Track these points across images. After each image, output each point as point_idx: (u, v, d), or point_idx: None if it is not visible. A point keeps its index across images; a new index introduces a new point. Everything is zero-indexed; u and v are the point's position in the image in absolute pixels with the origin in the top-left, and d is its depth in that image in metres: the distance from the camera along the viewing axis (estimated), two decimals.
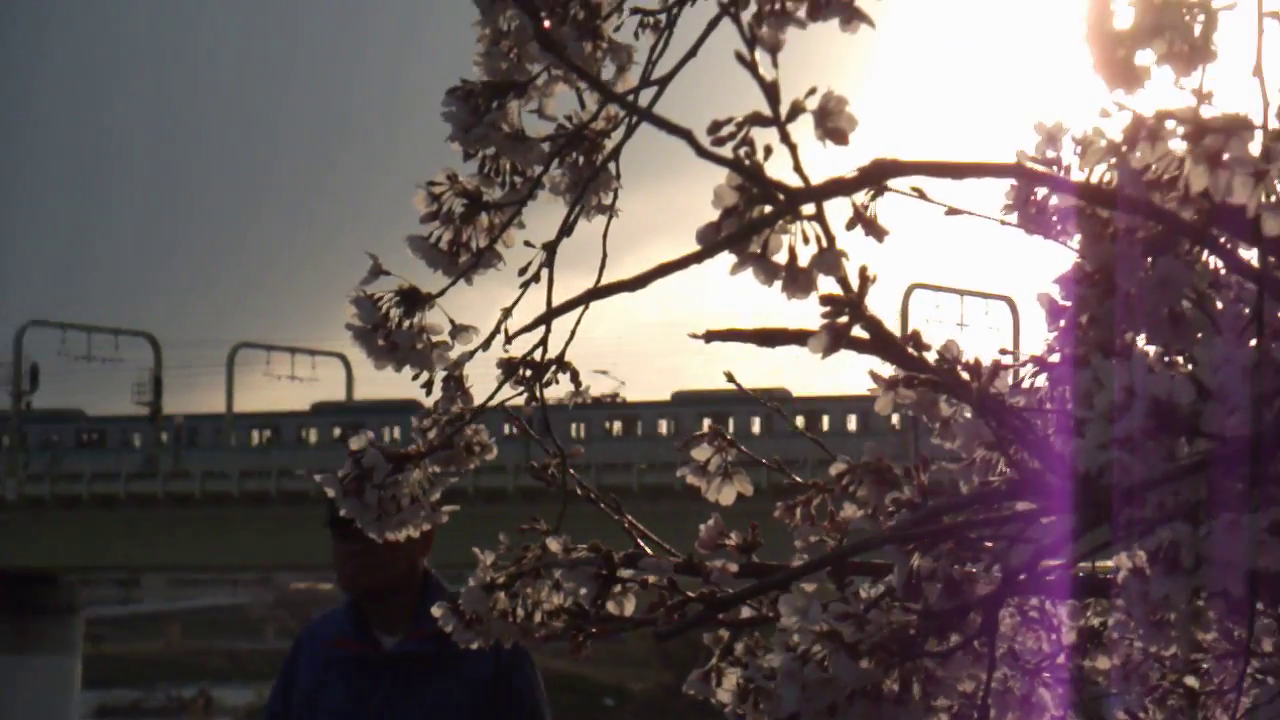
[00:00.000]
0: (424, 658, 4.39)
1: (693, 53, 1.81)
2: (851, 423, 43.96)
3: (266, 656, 54.97)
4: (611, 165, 2.04)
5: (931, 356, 1.79)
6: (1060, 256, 1.87)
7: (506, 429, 2.39)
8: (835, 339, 1.51)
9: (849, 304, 1.50)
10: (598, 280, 1.93)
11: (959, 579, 1.55)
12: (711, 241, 1.47)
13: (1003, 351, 1.91)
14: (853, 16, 1.50)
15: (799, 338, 1.58)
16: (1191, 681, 2.29)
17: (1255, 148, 1.43)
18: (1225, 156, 1.35)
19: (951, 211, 1.77)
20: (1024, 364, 1.93)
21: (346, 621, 4.59)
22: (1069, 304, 1.80)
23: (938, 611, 1.52)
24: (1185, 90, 1.65)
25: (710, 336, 1.66)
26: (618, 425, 46.78)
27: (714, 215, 1.52)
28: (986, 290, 50.76)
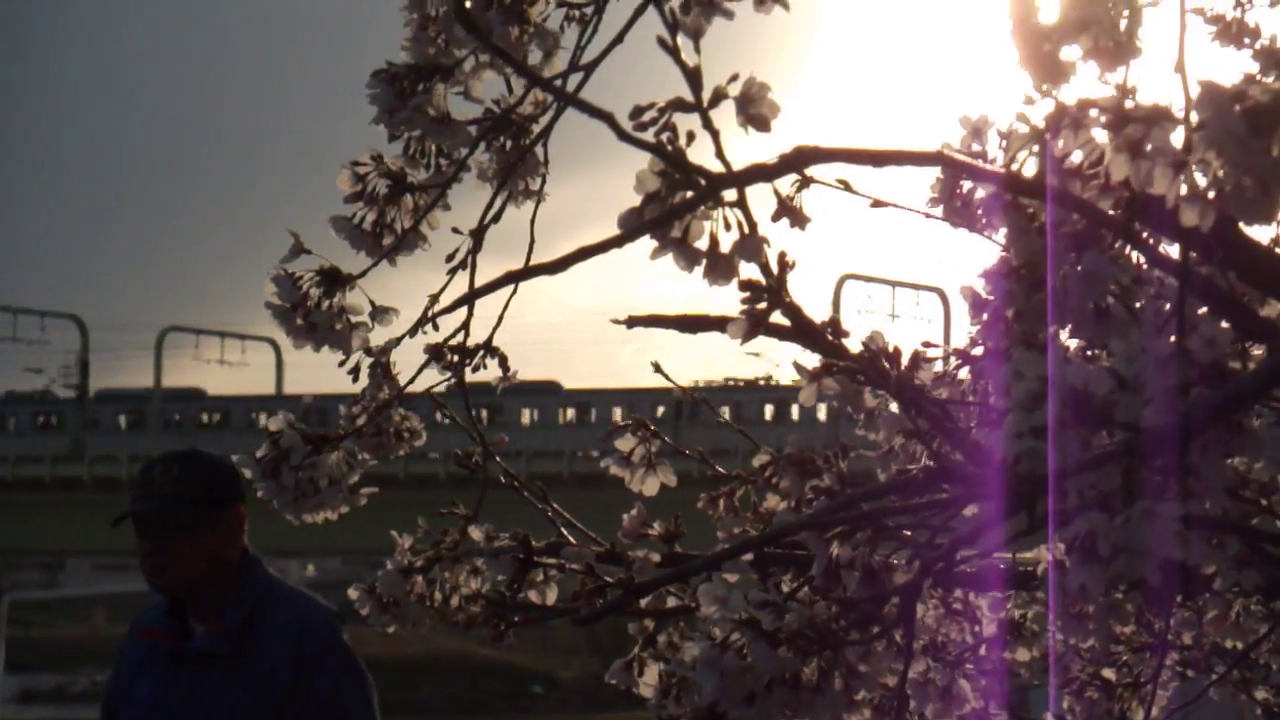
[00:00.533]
0: (222, 654, 4.11)
1: (619, 38, 1.80)
2: (768, 412, 44.01)
3: None
4: (539, 150, 2.03)
5: (855, 345, 1.79)
6: (987, 249, 1.87)
7: (438, 415, 2.37)
8: (754, 325, 1.50)
9: (769, 290, 1.49)
10: (525, 263, 1.92)
11: (878, 568, 1.55)
12: (633, 226, 1.47)
13: (926, 344, 1.91)
14: None
15: (720, 325, 1.57)
16: (1109, 674, 2.30)
17: (1177, 140, 1.43)
18: (1146, 146, 1.35)
19: (877, 204, 1.77)
20: (948, 356, 1.93)
21: (160, 611, 4.30)
22: (992, 297, 1.81)
23: (856, 600, 1.52)
24: (1110, 85, 1.65)
25: (633, 322, 1.65)
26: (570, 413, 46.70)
27: (636, 201, 1.50)
28: (918, 282, 50.98)
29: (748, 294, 1.49)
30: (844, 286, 48.40)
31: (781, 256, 1.51)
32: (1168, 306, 1.64)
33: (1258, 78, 1.93)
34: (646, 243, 1.54)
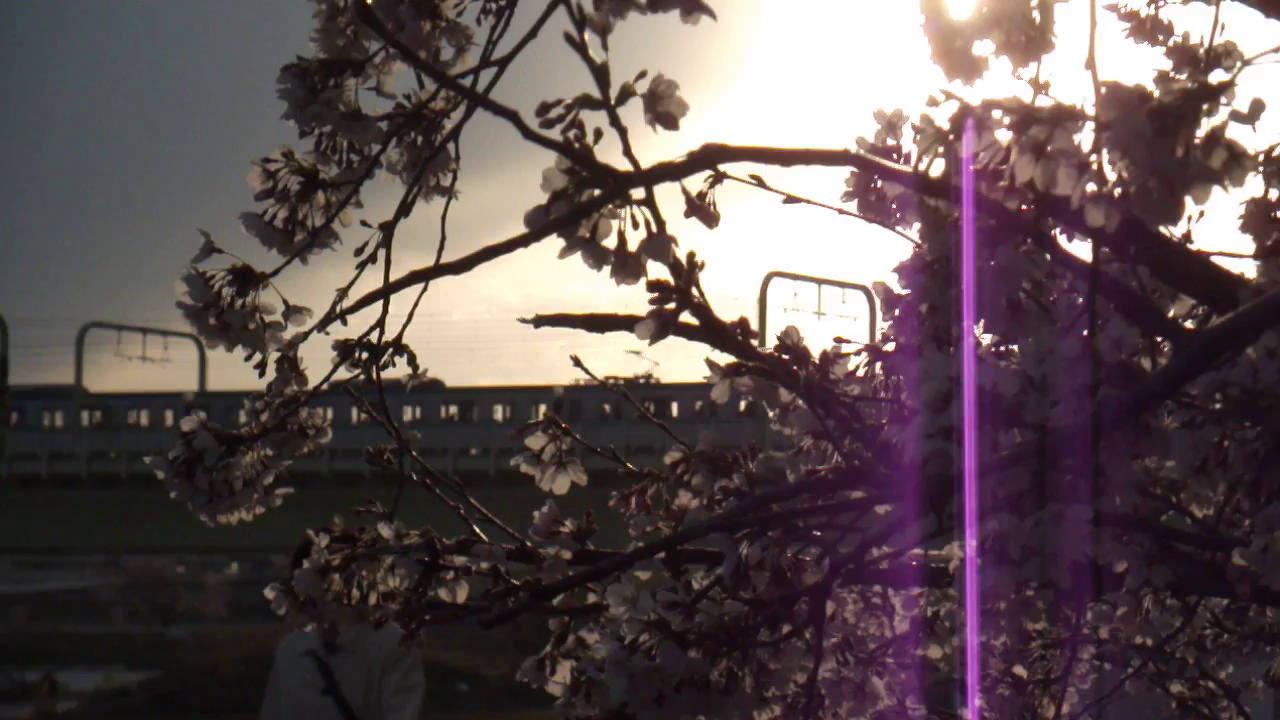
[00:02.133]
0: None
1: (533, 34, 1.79)
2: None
3: (115, 640, 54.27)
4: (451, 146, 2.02)
5: (771, 343, 1.79)
6: (901, 245, 1.87)
7: (354, 413, 2.35)
8: (663, 325, 1.49)
9: (677, 290, 1.49)
10: (436, 261, 1.90)
11: (787, 568, 1.54)
12: (540, 224, 1.46)
13: (838, 339, 1.91)
14: (693, 8, 1.46)
15: (629, 324, 1.57)
16: (1020, 670, 2.31)
17: (1086, 139, 1.44)
18: (1050, 147, 1.36)
19: (790, 200, 1.76)
20: (859, 352, 1.93)
21: None
22: (905, 293, 1.81)
23: (766, 601, 1.51)
24: (1022, 81, 1.66)
25: (540, 321, 1.64)
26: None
27: (545, 198, 1.50)
28: (844, 279, 51.21)
29: (656, 294, 1.48)
30: (770, 284, 48.55)
31: (690, 256, 1.50)
32: (1080, 300, 1.65)
33: (1170, 74, 1.94)
34: (557, 236, 1.53)
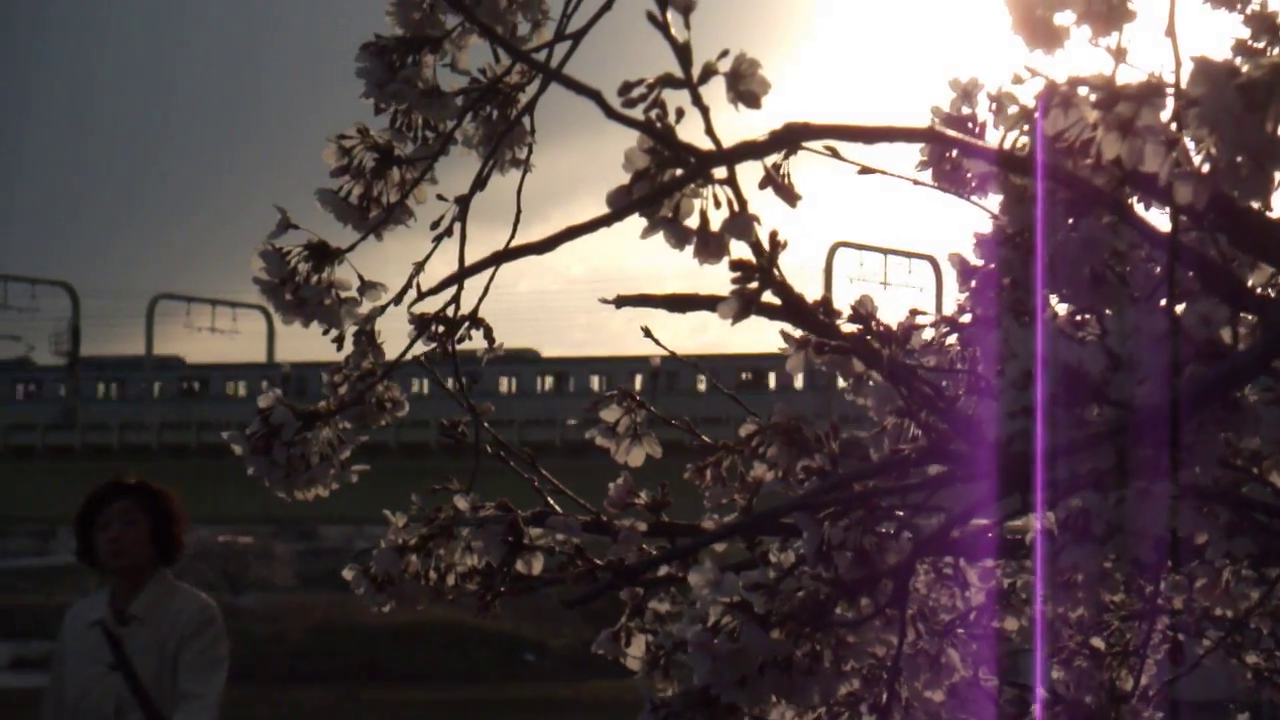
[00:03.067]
0: None
1: (608, 6, 1.79)
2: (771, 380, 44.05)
3: None
4: (526, 120, 2.02)
5: (846, 314, 1.78)
6: (975, 216, 1.86)
7: (415, 383, 2.36)
8: (745, 305, 1.49)
9: (760, 269, 1.49)
10: (511, 236, 1.91)
11: (869, 548, 1.54)
12: (622, 205, 1.45)
13: (914, 312, 1.90)
14: None
15: (710, 303, 1.57)
16: (1098, 642, 2.30)
17: (1168, 111, 1.43)
18: (1137, 124, 1.35)
19: (865, 170, 1.76)
20: (936, 324, 1.92)
21: None
22: (981, 264, 1.80)
23: (848, 581, 1.51)
24: (1102, 49, 1.65)
25: (621, 302, 1.64)
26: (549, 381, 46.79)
27: (626, 178, 1.49)
28: (910, 249, 51.12)
29: (738, 273, 1.48)
30: (836, 254, 48.45)
31: (773, 235, 1.50)
32: (1158, 271, 1.63)
33: (1248, 43, 1.93)
34: (638, 216, 1.53)
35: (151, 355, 52.58)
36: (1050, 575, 1.67)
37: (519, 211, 2.06)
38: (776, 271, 1.52)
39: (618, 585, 1.73)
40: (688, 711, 1.56)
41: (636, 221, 1.53)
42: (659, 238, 1.52)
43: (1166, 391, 1.33)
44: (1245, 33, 2.56)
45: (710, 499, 2.04)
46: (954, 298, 1.93)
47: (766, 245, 1.51)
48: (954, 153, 1.93)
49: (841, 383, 1.90)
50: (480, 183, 2.03)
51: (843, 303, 1.80)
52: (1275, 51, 1.44)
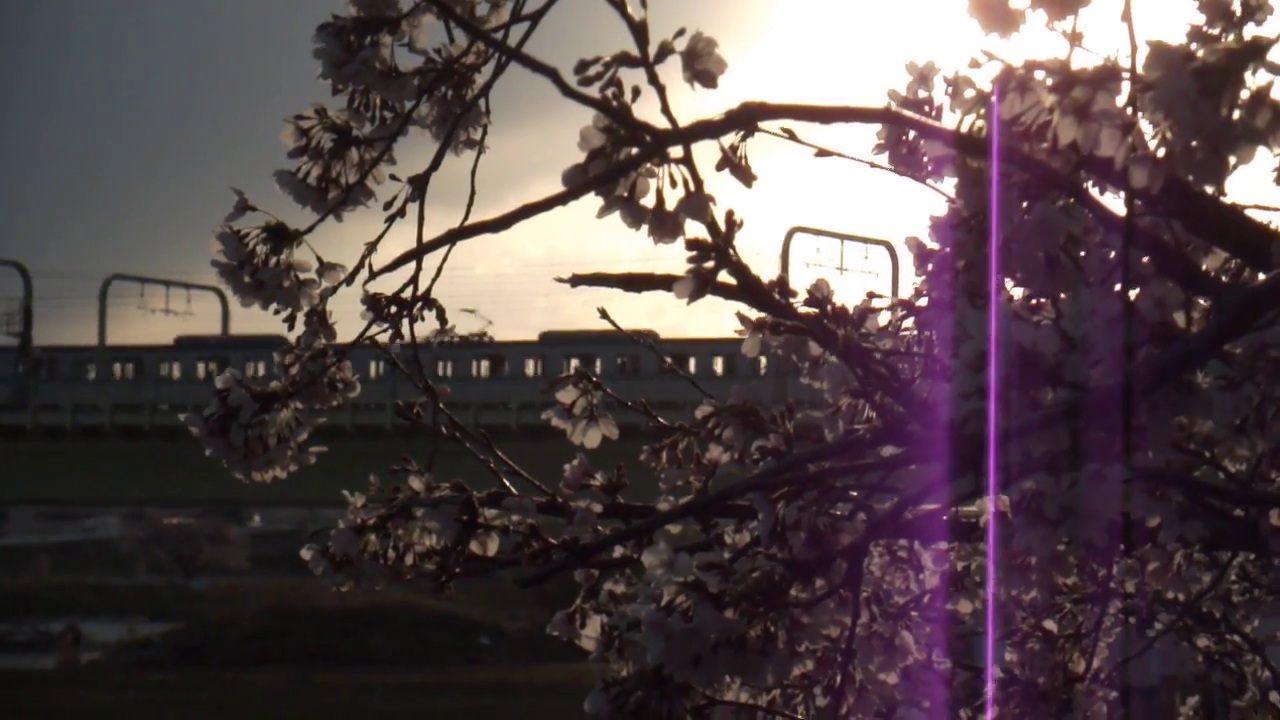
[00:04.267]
0: None
1: None
2: (718, 365, 44.23)
3: (138, 592, 54.49)
4: (482, 101, 2.02)
5: (802, 296, 1.79)
6: (932, 200, 1.87)
7: (373, 367, 2.35)
8: (701, 284, 1.49)
9: (715, 249, 1.49)
10: (465, 216, 1.90)
11: (824, 528, 1.55)
12: (578, 183, 1.45)
13: (871, 295, 1.91)
14: None
15: (665, 283, 1.57)
16: (1050, 625, 2.32)
17: (1124, 96, 1.43)
18: (1093, 109, 1.35)
19: (821, 153, 1.76)
20: (892, 307, 1.93)
21: None
22: (937, 248, 1.81)
23: (802, 561, 1.52)
24: (1058, 33, 1.65)
25: (576, 281, 1.64)
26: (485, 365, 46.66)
27: (581, 157, 1.49)
28: (866, 234, 51.30)
29: (694, 252, 1.48)
30: (793, 239, 48.55)
31: (729, 215, 1.50)
32: (1113, 255, 1.64)
33: (1203, 29, 1.93)
34: (594, 195, 1.53)
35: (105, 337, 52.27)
36: (1003, 558, 1.68)
37: (473, 192, 2.06)
38: (732, 251, 1.52)
39: (572, 565, 1.73)
40: (640, 690, 1.56)
41: (593, 203, 1.53)
42: (616, 220, 1.53)
43: (1120, 374, 1.33)
44: (1201, 19, 2.57)
45: (666, 481, 2.04)
46: (911, 282, 1.94)
47: (723, 225, 1.51)
48: (911, 136, 1.94)
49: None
50: (436, 163, 2.02)
51: (799, 287, 1.81)
52: (1230, 37, 1.45)
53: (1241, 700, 3.14)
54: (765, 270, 1.72)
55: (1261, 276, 1.57)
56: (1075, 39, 1.64)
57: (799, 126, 1.62)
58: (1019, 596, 2.28)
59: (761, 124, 1.61)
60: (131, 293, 57.55)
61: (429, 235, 1.92)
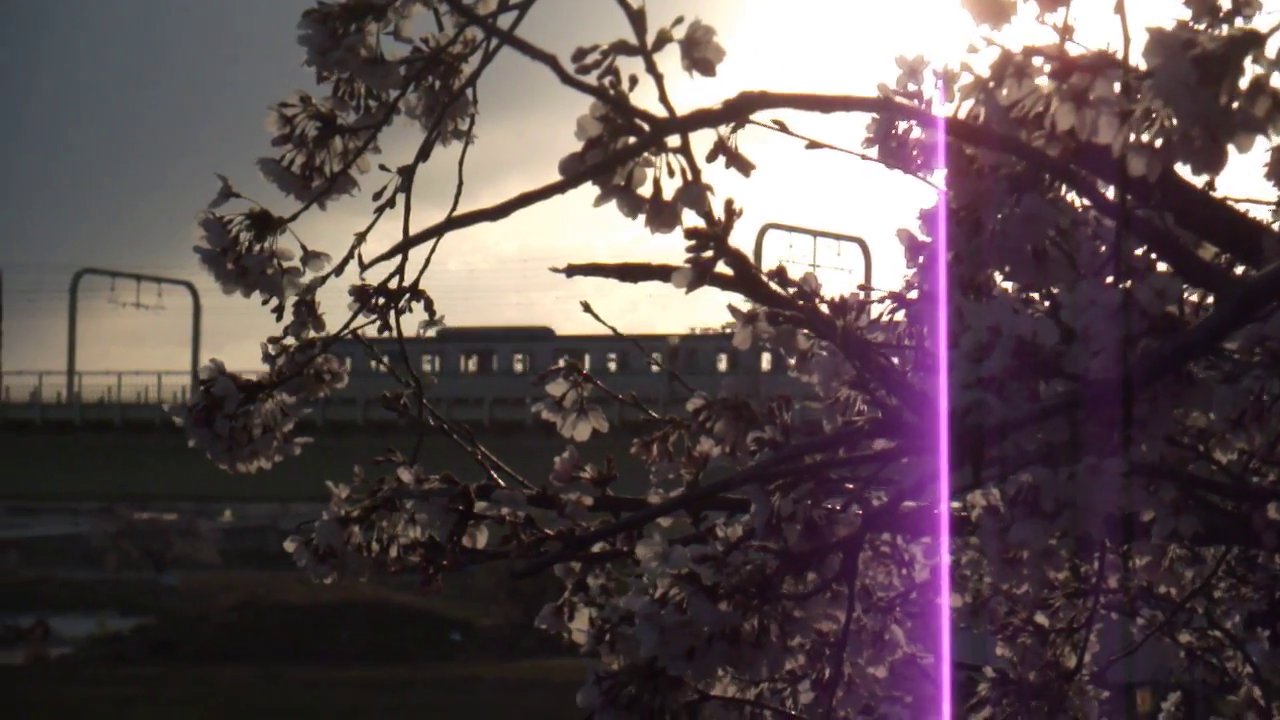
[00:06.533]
0: None
1: None
2: (613, 364, 44.45)
3: (108, 587, 54.32)
4: (469, 91, 2.00)
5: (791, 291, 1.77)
6: (919, 193, 1.86)
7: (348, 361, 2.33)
8: (700, 274, 1.48)
9: (713, 238, 1.48)
10: (453, 207, 1.89)
11: (819, 520, 1.53)
12: (575, 172, 1.44)
13: (861, 288, 1.89)
14: None
15: (662, 273, 1.55)
16: (1042, 619, 2.31)
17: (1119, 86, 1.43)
18: (1091, 95, 1.34)
19: (813, 145, 1.75)
20: (882, 300, 1.92)
21: None
22: (929, 240, 1.80)
23: (798, 553, 1.51)
24: (1049, 25, 1.65)
25: (572, 271, 1.63)
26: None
27: (577, 147, 1.48)
28: (839, 231, 51.50)
29: (693, 242, 1.47)
30: (765, 236, 48.69)
31: (728, 204, 1.49)
32: (1103, 249, 1.63)
33: (1189, 25, 1.92)
34: (575, 190, 1.51)
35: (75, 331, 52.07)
36: (995, 552, 1.67)
37: (460, 183, 2.04)
38: (729, 241, 1.51)
39: (567, 556, 1.72)
40: (633, 684, 1.55)
41: (567, 199, 1.51)
42: (590, 216, 1.53)
43: (1119, 366, 1.33)
44: (1186, 14, 2.57)
45: (656, 474, 2.03)
46: (893, 277, 1.93)
47: (722, 215, 1.49)
48: (900, 129, 1.93)
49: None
50: (424, 153, 2.01)
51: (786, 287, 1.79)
52: (1219, 31, 1.44)
53: (1237, 696, 3.14)
54: (779, 263, 1.71)
55: (1243, 270, 1.57)
56: (1066, 31, 1.63)
57: (785, 120, 1.61)
58: (1010, 591, 2.28)
59: (752, 115, 1.59)
60: (102, 286, 57.39)
61: (412, 228, 1.91)
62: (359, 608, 44.61)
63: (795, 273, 1.88)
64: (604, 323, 2.24)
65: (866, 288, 1.90)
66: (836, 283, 1.91)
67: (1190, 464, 1.75)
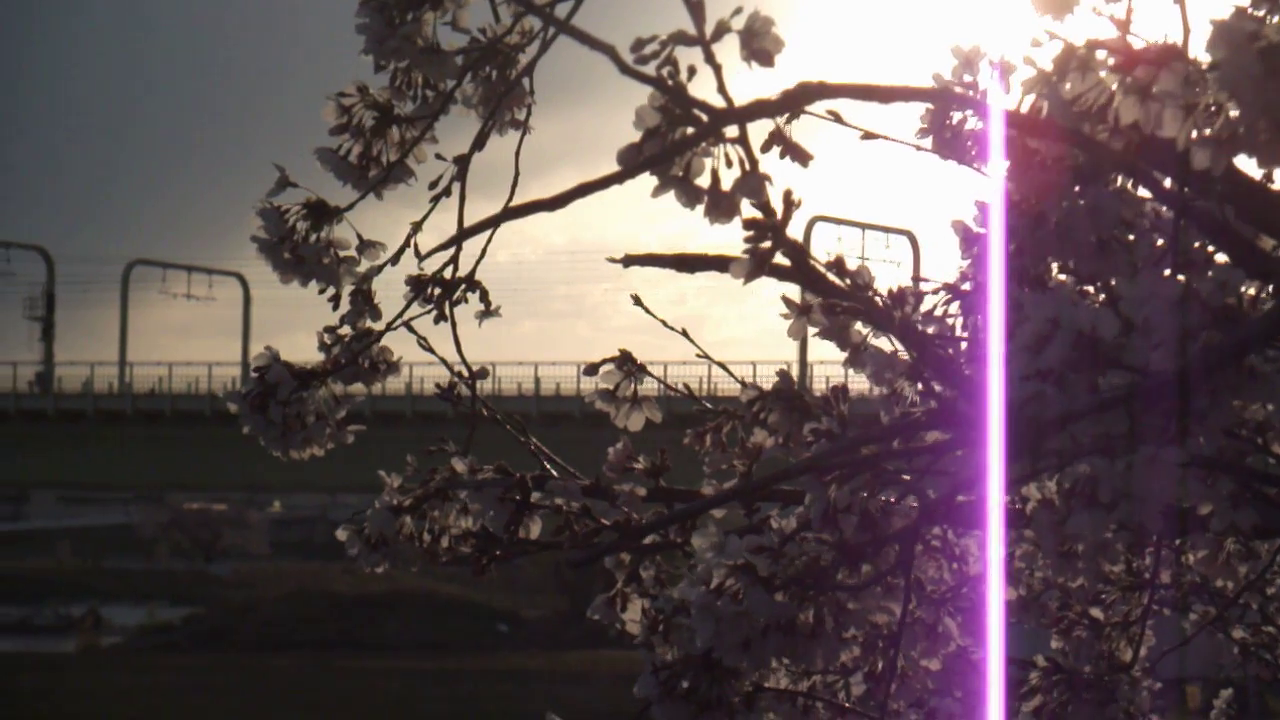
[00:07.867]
0: None
1: None
2: None
3: (158, 577, 54.64)
4: (525, 81, 2.00)
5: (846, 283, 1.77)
6: (972, 184, 1.85)
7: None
8: (759, 264, 1.48)
9: (772, 229, 1.47)
10: (509, 198, 1.89)
11: (875, 512, 1.53)
12: (633, 163, 1.44)
13: (915, 279, 1.89)
14: None
15: (719, 263, 1.55)
16: (1097, 613, 2.30)
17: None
18: (1155, 89, 1.34)
19: (868, 135, 1.74)
20: (935, 291, 1.91)
21: None
22: (984, 231, 1.79)
23: (854, 545, 1.50)
24: (1107, 16, 1.64)
25: (629, 261, 1.63)
26: None
27: (633, 137, 1.48)
28: (887, 224, 51.37)
29: (752, 232, 1.47)
30: (814, 228, 48.63)
31: (787, 194, 1.49)
32: (1161, 241, 1.63)
33: (1248, 12, 1.91)
34: (623, 183, 1.51)
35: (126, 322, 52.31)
36: (1052, 544, 1.66)
37: (517, 173, 2.05)
38: (787, 231, 1.50)
39: (622, 546, 1.72)
40: (689, 674, 1.55)
41: (615, 191, 1.51)
42: (638, 209, 1.53)
43: (1180, 357, 1.32)
44: (1245, 1, 2.55)
45: (710, 465, 2.03)
46: (942, 270, 1.92)
47: (779, 205, 1.49)
48: (955, 120, 1.92)
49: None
50: (480, 143, 2.01)
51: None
52: (1276, 20, 1.43)
53: None
54: (837, 254, 1.71)
55: None
56: (1126, 23, 1.62)
57: (839, 110, 1.60)
58: (1064, 584, 2.27)
59: (815, 103, 1.59)
60: (154, 278, 57.72)
61: (468, 218, 1.91)
62: (406, 598, 44.75)
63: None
64: (654, 315, 2.24)
65: (919, 278, 1.90)
66: (886, 275, 1.90)
67: (1248, 457, 1.74)
